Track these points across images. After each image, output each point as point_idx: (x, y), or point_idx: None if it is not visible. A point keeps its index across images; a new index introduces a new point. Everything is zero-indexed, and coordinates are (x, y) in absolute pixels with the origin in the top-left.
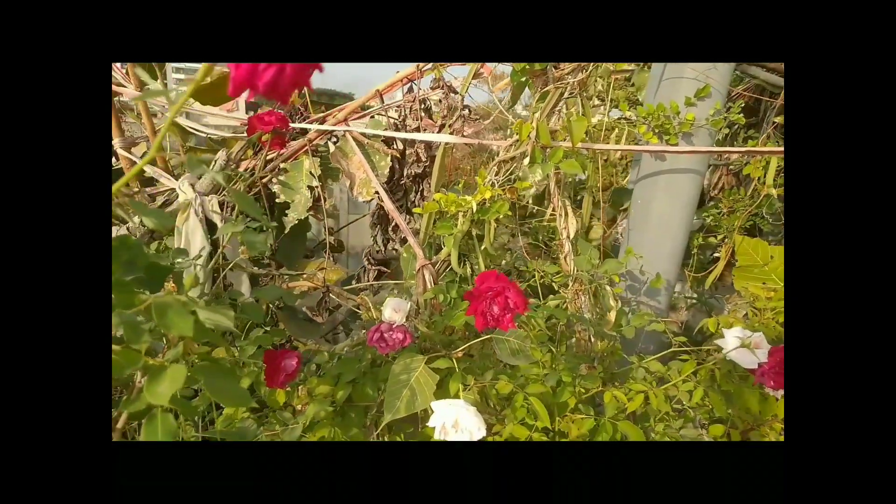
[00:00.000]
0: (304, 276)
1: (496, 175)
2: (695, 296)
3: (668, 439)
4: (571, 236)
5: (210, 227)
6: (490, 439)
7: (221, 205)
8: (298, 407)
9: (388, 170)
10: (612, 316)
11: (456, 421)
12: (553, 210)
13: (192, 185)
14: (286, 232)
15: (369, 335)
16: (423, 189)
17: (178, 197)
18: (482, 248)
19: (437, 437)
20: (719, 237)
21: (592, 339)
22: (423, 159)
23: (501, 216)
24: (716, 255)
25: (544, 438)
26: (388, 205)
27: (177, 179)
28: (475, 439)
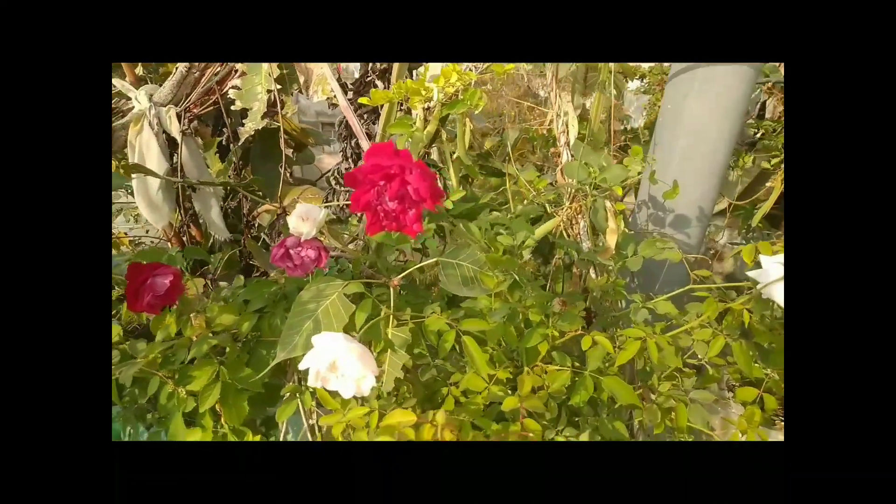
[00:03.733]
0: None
1: None
2: (740, 240)
3: (674, 403)
4: (571, 142)
5: (171, 144)
6: (444, 391)
7: (180, 117)
8: (194, 338)
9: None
10: (610, 241)
11: (333, 363)
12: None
13: (150, 96)
14: (254, 148)
15: (273, 252)
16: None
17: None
18: (454, 156)
19: (311, 383)
20: (773, 161)
21: (592, 274)
22: None
23: (478, 111)
24: (769, 184)
25: (505, 394)
26: (342, 102)
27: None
28: (365, 391)
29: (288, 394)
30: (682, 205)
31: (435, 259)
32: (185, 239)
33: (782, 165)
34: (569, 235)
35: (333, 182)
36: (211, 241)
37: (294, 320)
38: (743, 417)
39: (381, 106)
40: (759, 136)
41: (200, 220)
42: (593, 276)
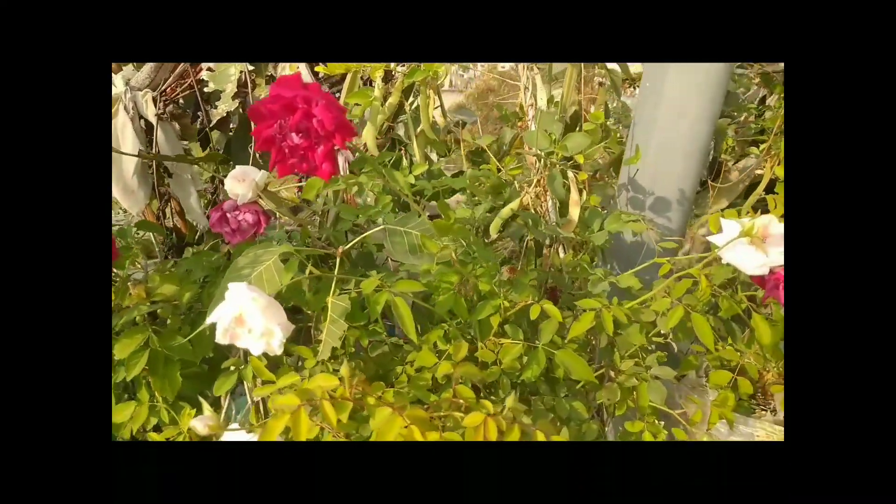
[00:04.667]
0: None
1: None
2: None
3: (636, 382)
4: (542, 106)
5: (148, 129)
6: (399, 369)
7: (156, 101)
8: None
9: None
10: (573, 213)
11: (240, 316)
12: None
13: (127, 81)
14: (234, 135)
15: (210, 216)
16: None
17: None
18: (418, 130)
19: (219, 339)
20: (762, 148)
21: (561, 253)
22: None
23: (441, 81)
24: (759, 171)
25: (448, 370)
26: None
27: None
28: (275, 348)
29: (231, 367)
30: (662, 187)
31: (382, 227)
32: (163, 224)
33: (772, 152)
34: (538, 213)
35: None
36: (198, 233)
37: (227, 286)
38: (715, 402)
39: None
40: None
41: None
42: (562, 254)
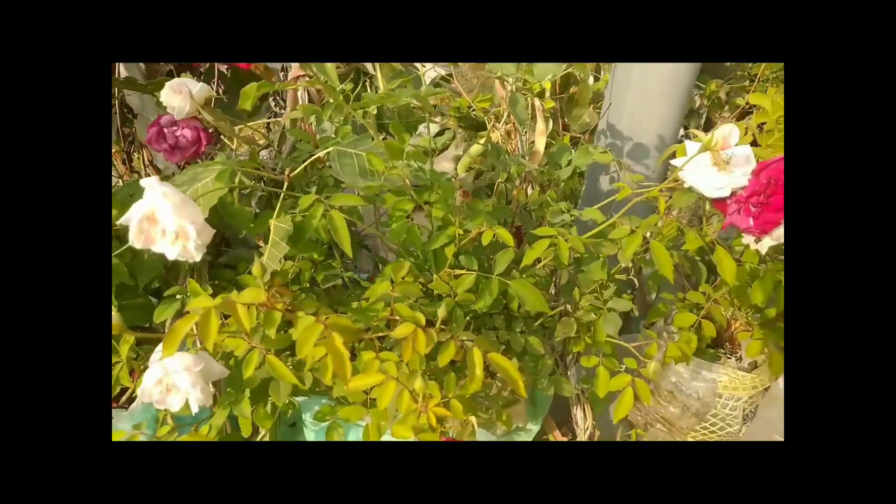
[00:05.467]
0: None
1: None
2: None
3: (594, 317)
4: None
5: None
6: (354, 304)
7: None
8: None
9: None
10: (539, 143)
11: (152, 214)
12: None
13: None
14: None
15: (147, 133)
16: None
17: None
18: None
19: (133, 241)
20: (747, 97)
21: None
22: None
23: None
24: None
25: (386, 288)
26: None
27: None
28: (192, 252)
29: (175, 294)
30: (640, 133)
31: (331, 147)
32: (131, 170)
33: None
34: (508, 153)
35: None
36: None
37: None
38: (677, 345)
39: None
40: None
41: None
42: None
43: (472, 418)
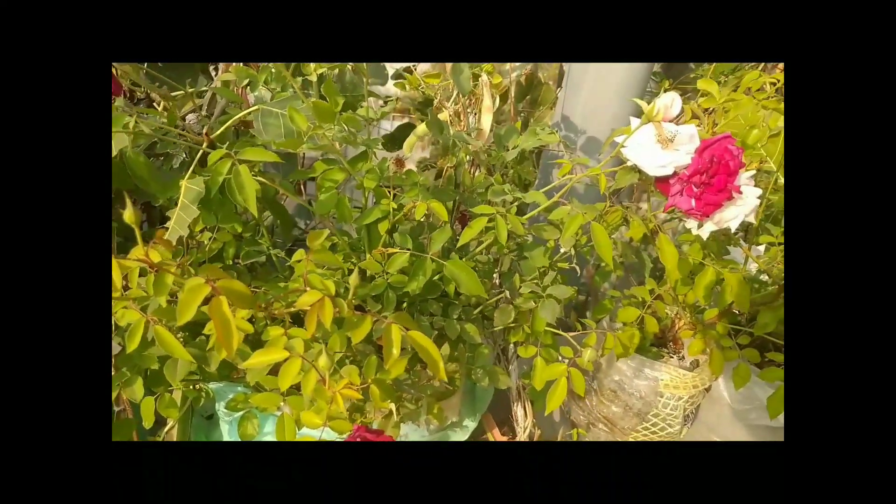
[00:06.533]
0: None
1: None
2: None
3: (533, 305)
4: None
5: None
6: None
7: None
8: None
9: None
10: (484, 121)
11: None
12: None
13: None
14: None
15: None
16: None
17: None
18: None
19: None
20: (699, 100)
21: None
22: None
23: None
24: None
25: (301, 256)
26: None
27: None
28: None
29: None
30: (593, 126)
31: (256, 106)
32: None
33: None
34: (451, 130)
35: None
36: None
37: None
38: (620, 337)
39: None
40: None
41: None
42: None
43: (393, 406)
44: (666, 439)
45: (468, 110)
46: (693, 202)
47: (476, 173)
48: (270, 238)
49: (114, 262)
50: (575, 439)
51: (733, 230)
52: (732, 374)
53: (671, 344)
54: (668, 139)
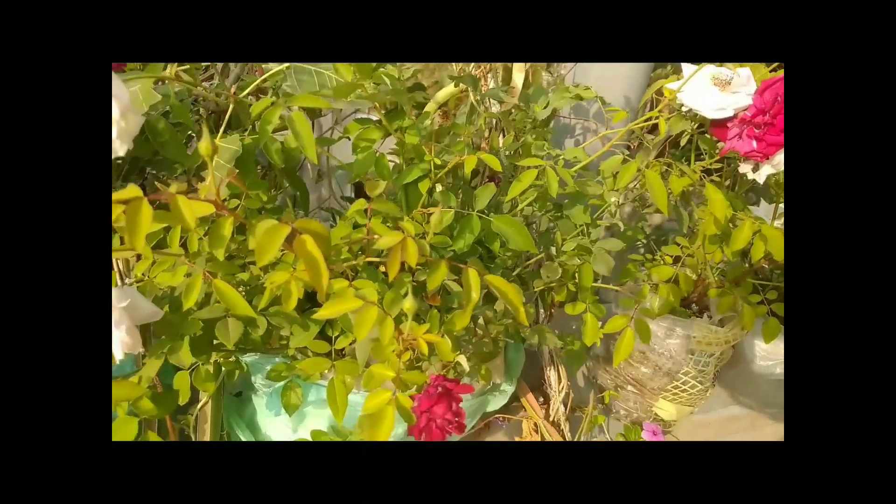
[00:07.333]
0: None
1: None
2: None
3: (578, 262)
4: None
5: None
6: None
7: None
8: None
9: None
10: (516, 78)
11: None
12: None
13: None
14: None
15: None
16: None
17: None
18: None
19: None
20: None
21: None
22: None
23: None
24: None
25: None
26: None
27: None
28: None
29: None
30: (607, 93)
31: (286, 64)
32: None
33: None
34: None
35: None
36: None
37: None
38: (655, 299)
39: None
40: None
41: None
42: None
43: (462, 357)
44: (696, 397)
45: (489, 74)
46: (754, 144)
47: (501, 137)
48: (294, 210)
49: (180, 199)
50: (606, 402)
51: None
52: (762, 328)
53: (694, 305)
54: (726, 81)
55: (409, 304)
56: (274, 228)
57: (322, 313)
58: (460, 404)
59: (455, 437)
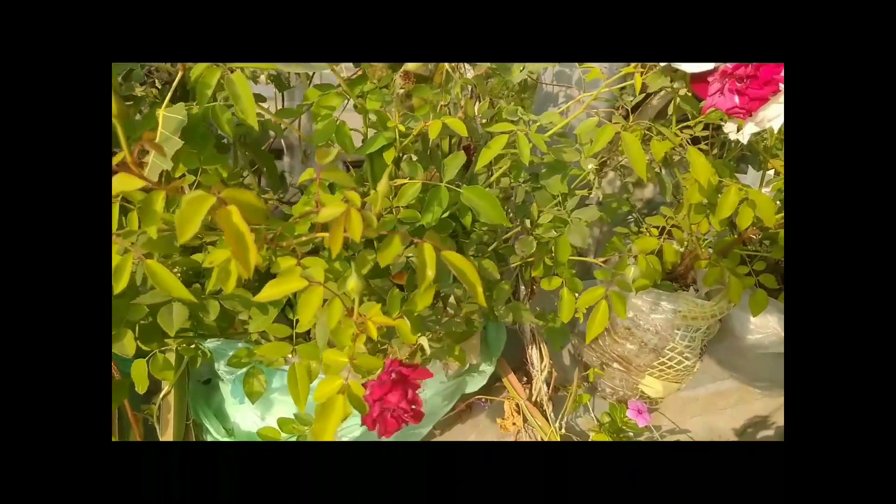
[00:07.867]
0: None
1: None
2: None
3: (555, 234)
4: None
5: None
6: None
7: None
8: None
9: None
10: None
11: None
12: None
13: None
14: None
15: None
16: None
17: None
18: None
19: None
20: None
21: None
22: None
23: None
24: None
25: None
26: None
27: None
28: None
29: None
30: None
31: None
32: None
33: None
34: None
35: None
36: None
37: None
38: (646, 262)
39: None
40: None
41: None
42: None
43: (424, 340)
44: (682, 373)
45: None
46: (737, 98)
47: (476, 104)
48: (259, 186)
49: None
50: (591, 380)
51: (776, 130)
52: (749, 301)
53: (680, 278)
54: None
55: (352, 283)
56: (197, 198)
57: (263, 294)
58: (418, 391)
59: (429, 420)
